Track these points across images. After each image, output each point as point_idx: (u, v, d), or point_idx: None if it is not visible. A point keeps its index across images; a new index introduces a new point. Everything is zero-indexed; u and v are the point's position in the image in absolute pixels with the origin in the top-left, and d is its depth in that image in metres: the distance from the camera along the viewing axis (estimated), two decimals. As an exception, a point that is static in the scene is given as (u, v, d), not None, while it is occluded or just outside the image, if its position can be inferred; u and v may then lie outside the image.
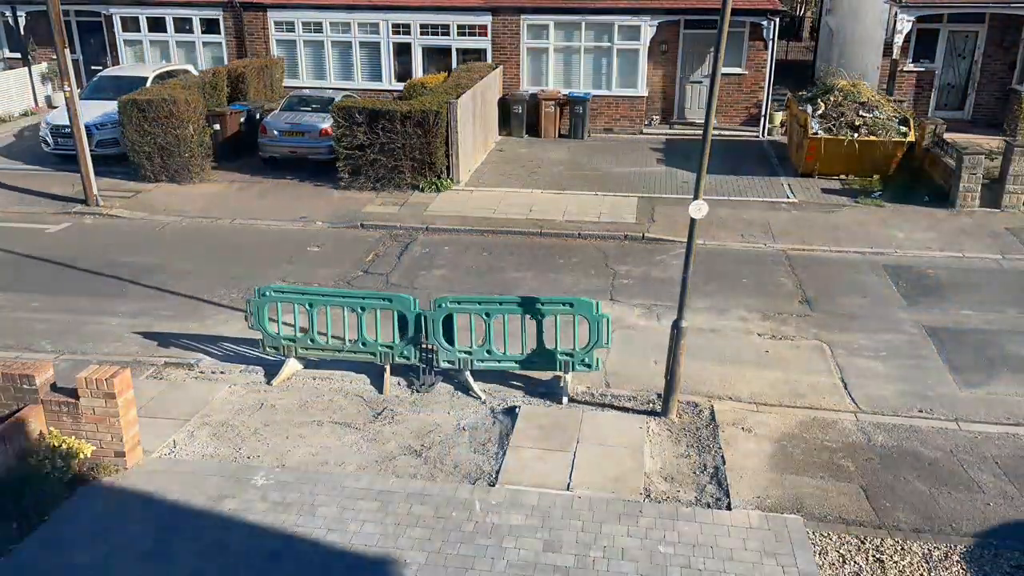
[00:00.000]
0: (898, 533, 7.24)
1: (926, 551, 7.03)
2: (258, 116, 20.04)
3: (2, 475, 7.30)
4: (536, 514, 7.35)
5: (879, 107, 17.86)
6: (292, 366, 9.77)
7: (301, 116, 18.45)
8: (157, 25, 23.69)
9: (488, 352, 9.32)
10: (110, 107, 17.70)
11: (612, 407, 9.15)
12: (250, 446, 8.41)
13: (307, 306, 9.47)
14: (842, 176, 17.65)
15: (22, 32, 23.89)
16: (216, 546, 6.94)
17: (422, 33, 22.57)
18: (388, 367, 9.53)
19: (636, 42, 21.79)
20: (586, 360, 9.20)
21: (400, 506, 7.45)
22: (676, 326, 8.54)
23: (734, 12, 18.90)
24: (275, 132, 18.24)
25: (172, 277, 12.83)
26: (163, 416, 8.88)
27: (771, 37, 21.22)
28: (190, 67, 21.96)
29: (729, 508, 7.51)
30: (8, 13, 23.79)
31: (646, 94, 22.16)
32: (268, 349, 9.75)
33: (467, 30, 22.40)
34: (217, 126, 18.53)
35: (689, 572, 6.70)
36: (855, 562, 6.89)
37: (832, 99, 18.32)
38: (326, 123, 17.54)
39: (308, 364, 9.91)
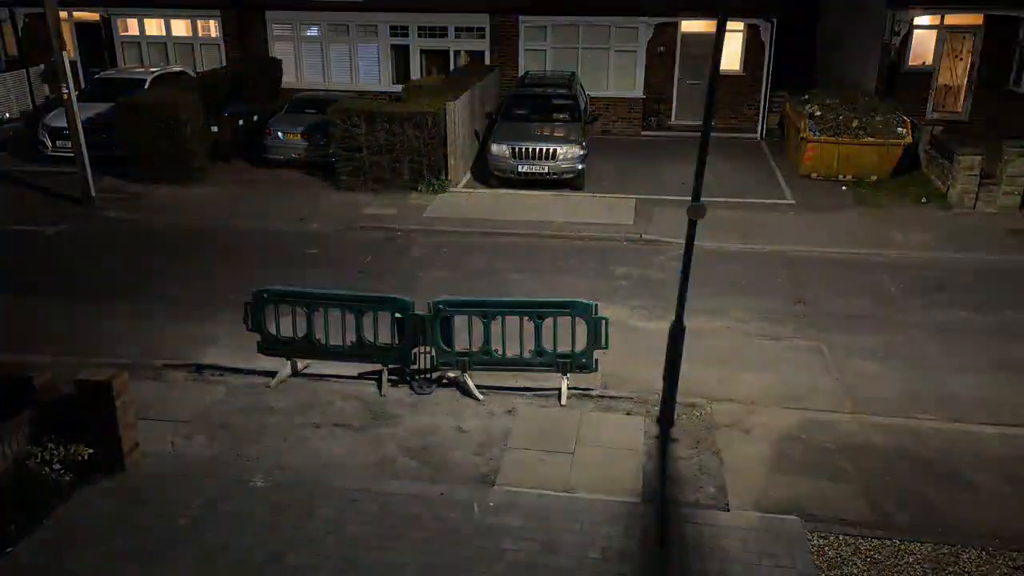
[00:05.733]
0: (897, 534, 7.24)
1: (925, 552, 7.03)
2: (255, 118, 20.05)
3: (0, 477, 7.30)
4: (535, 516, 7.35)
5: (876, 109, 17.90)
6: (290, 368, 9.77)
7: (306, 119, 18.46)
8: (155, 27, 23.68)
9: (486, 354, 9.31)
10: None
11: (611, 409, 9.16)
12: (249, 448, 8.41)
13: (305, 308, 9.46)
14: (840, 177, 17.68)
15: (20, 33, 23.89)
16: (215, 548, 6.94)
17: (420, 35, 22.59)
18: (386, 369, 9.53)
19: (634, 43, 21.83)
20: (584, 362, 9.20)
21: (399, 508, 7.45)
22: (675, 327, 8.53)
23: (732, 14, 18.95)
24: (280, 134, 18.26)
25: (170, 279, 12.82)
26: (162, 418, 8.87)
27: (769, 39, 21.26)
28: (188, 69, 21.97)
29: (727, 509, 7.52)
30: (7, 15, 23.81)
31: (644, 95, 22.18)
32: (266, 351, 9.74)
33: (465, 32, 22.42)
34: (215, 128, 18.54)
35: (687, 573, 6.70)
36: (853, 563, 6.89)
37: (830, 101, 18.37)
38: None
39: (306, 366, 9.91)
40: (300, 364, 9.85)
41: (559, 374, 9.31)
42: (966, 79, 21.53)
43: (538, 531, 7.15)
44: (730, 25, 18.29)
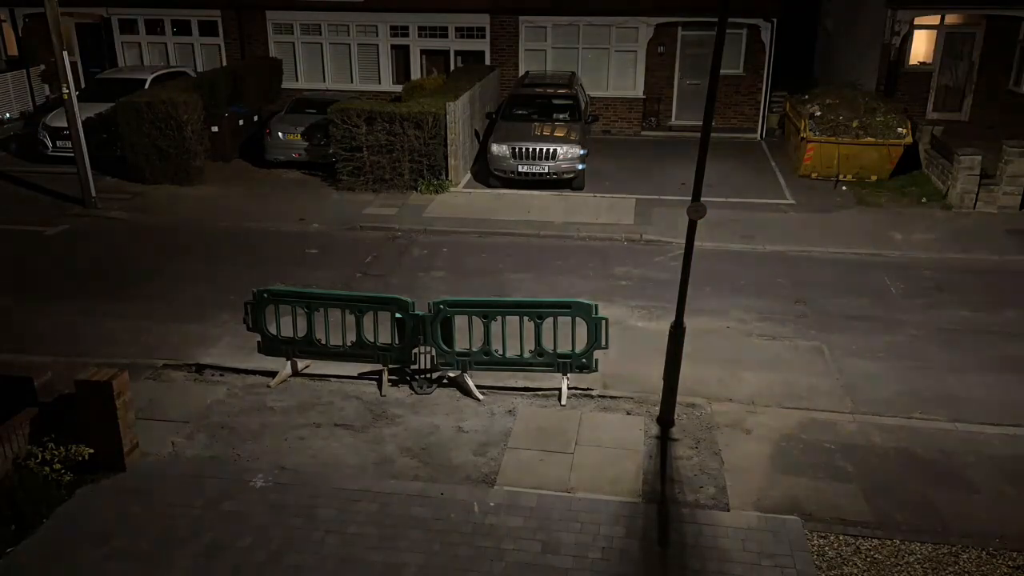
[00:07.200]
0: (897, 534, 7.24)
1: (925, 552, 7.04)
2: (255, 118, 20.06)
3: (0, 477, 7.30)
4: (535, 516, 7.36)
5: (876, 109, 17.90)
6: (290, 368, 9.77)
7: (306, 119, 18.46)
8: (155, 27, 23.70)
9: (487, 354, 9.32)
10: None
11: (611, 409, 9.16)
12: (249, 448, 8.41)
13: (305, 308, 9.46)
14: (840, 178, 17.68)
15: (20, 33, 23.91)
16: (215, 548, 6.94)
17: (420, 35, 22.59)
18: (386, 369, 9.53)
19: (634, 44, 21.83)
20: (584, 362, 9.20)
21: (399, 508, 7.45)
22: (675, 327, 8.54)
23: (732, 14, 18.95)
24: (280, 134, 18.26)
25: (170, 279, 12.83)
26: (162, 418, 8.88)
27: (770, 39, 21.27)
28: (188, 69, 21.98)
29: (727, 509, 7.52)
30: (7, 15, 23.82)
31: (644, 95, 22.19)
32: (266, 351, 9.74)
33: (465, 32, 22.43)
34: (216, 128, 18.54)
35: (687, 573, 6.70)
36: (853, 563, 6.89)
37: (830, 101, 18.36)
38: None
39: (306, 366, 9.91)
40: (300, 364, 9.85)
41: (559, 374, 9.31)
42: (966, 79, 21.53)
43: (538, 531, 7.15)
44: (730, 26, 18.31)
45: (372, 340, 9.41)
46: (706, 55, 21.48)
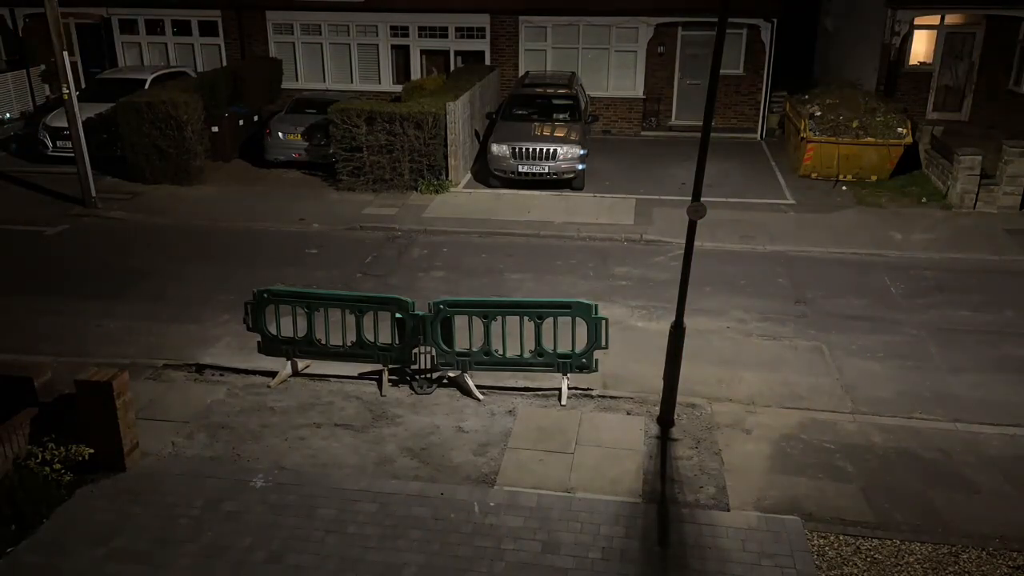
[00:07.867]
0: (897, 534, 7.24)
1: (925, 552, 7.04)
2: (255, 118, 20.06)
3: (0, 477, 7.30)
4: (535, 516, 7.36)
5: (876, 109, 17.90)
6: (290, 368, 9.77)
7: (306, 119, 18.47)
8: (155, 27, 23.71)
9: (487, 354, 9.31)
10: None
11: (611, 409, 9.16)
12: (249, 448, 8.41)
13: (306, 308, 9.46)
14: (840, 178, 17.68)
15: (21, 34, 23.91)
16: (215, 548, 6.94)
17: (420, 35, 22.59)
18: (386, 369, 9.53)
19: (634, 44, 21.83)
20: (584, 362, 9.20)
21: (399, 508, 7.45)
22: (675, 327, 8.54)
23: (732, 14, 18.93)
24: (280, 135, 18.25)
25: (170, 279, 12.82)
26: (162, 418, 8.88)
27: (770, 39, 21.27)
28: (188, 69, 21.98)
29: (727, 509, 7.52)
30: (7, 15, 23.82)
31: (644, 95, 22.19)
32: (266, 351, 9.74)
33: (465, 32, 22.43)
34: (216, 128, 18.54)
35: (687, 573, 6.70)
36: (853, 563, 6.89)
37: (830, 101, 18.37)
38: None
39: (307, 366, 9.91)
40: (300, 364, 9.84)
41: (559, 374, 9.31)
42: (966, 79, 21.53)
43: (538, 531, 7.16)
44: (730, 26, 18.31)
45: (372, 340, 9.40)
46: (706, 55, 21.45)
